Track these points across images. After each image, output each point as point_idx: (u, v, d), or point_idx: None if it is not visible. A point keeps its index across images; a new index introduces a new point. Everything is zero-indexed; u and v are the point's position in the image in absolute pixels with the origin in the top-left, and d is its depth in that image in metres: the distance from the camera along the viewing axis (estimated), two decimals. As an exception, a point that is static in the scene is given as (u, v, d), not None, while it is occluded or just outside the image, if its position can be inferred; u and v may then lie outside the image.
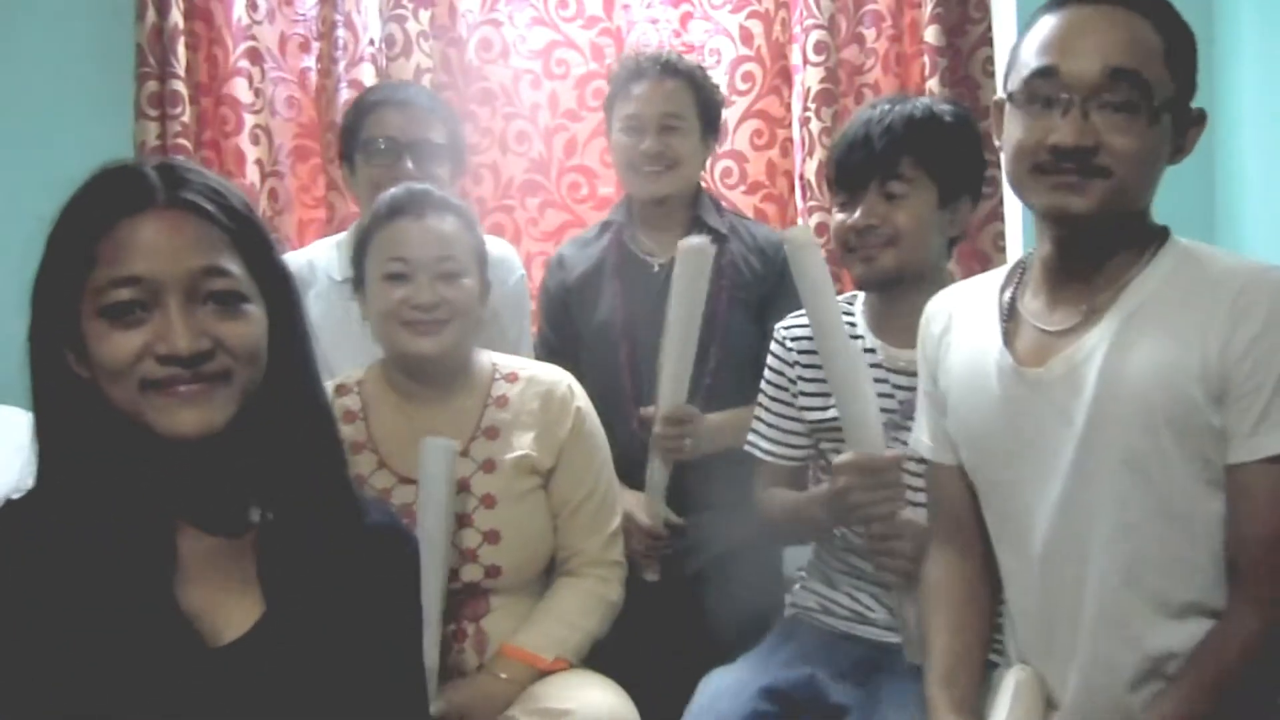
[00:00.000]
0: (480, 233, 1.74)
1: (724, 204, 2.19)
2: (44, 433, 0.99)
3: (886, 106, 1.64)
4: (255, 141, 2.37)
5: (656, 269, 2.02)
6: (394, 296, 1.63)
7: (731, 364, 1.94)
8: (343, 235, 2.08)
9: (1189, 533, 1.22)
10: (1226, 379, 1.18)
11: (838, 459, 1.54)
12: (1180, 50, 1.25)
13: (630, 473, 1.91)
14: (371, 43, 2.36)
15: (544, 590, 1.72)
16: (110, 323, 0.95)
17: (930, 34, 2.32)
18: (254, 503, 1.04)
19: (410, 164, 1.97)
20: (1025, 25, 1.31)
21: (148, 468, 0.99)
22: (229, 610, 1.01)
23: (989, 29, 2.37)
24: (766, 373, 1.79)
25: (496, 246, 2.08)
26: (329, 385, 1.57)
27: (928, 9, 2.33)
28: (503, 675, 1.60)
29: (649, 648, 1.81)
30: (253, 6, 2.39)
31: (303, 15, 2.45)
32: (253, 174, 2.35)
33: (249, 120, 2.36)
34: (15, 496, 1.00)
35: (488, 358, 1.76)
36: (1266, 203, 2.16)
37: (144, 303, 0.95)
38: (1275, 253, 2.00)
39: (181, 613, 0.99)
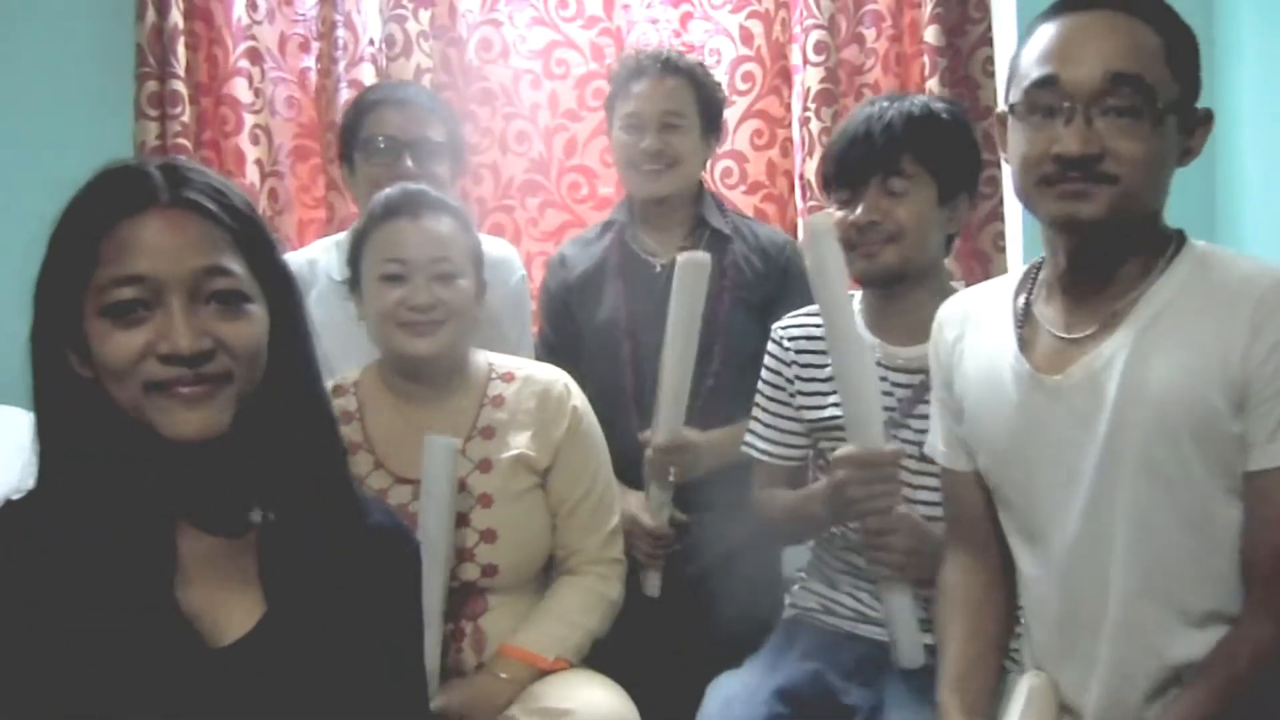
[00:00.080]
0: (476, 233, 1.75)
1: (725, 204, 2.19)
2: (45, 433, 0.99)
3: (885, 104, 1.64)
4: (255, 141, 2.37)
5: (658, 269, 2.01)
6: (390, 297, 1.63)
7: (733, 365, 1.94)
8: (343, 235, 2.08)
9: (1210, 541, 1.21)
10: (1247, 386, 1.17)
11: (837, 452, 1.54)
12: (1182, 51, 1.24)
13: (631, 472, 1.91)
14: (371, 43, 2.36)
15: (542, 589, 1.72)
16: (112, 322, 0.95)
17: (930, 34, 2.32)
18: (255, 503, 1.04)
19: (410, 163, 1.97)
20: (1023, 36, 1.29)
21: (148, 468, 0.99)
22: (230, 611, 1.01)
23: (989, 29, 2.37)
24: (764, 373, 1.79)
25: (497, 247, 2.08)
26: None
27: (928, 9, 2.33)
28: (503, 675, 1.60)
29: (650, 650, 1.81)
30: (253, 6, 2.39)
31: (303, 15, 2.45)
32: (252, 174, 2.35)
33: (249, 120, 2.36)
34: (16, 497, 1.00)
35: (484, 357, 1.76)
36: (1266, 203, 2.16)
37: (146, 302, 0.95)
38: (1275, 253, 2.00)
39: (182, 613, 0.99)
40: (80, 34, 2.41)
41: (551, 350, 2.06)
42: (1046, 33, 1.25)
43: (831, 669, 1.59)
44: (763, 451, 1.78)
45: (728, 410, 1.91)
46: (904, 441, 1.61)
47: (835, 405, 1.67)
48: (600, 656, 1.70)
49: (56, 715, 0.94)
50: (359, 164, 2.03)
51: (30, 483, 1.00)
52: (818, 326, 1.72)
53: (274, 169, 2.41)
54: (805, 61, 2.37)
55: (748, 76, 2.47)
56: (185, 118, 2.31)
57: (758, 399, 1.79)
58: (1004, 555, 1.40)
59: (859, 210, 1.61)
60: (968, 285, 1.61)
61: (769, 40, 2.47)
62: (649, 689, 1.65)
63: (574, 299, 2.06)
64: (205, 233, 0.97)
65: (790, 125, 2.45)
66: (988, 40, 2.37)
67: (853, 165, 1.62)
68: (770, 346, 1.78)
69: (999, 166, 2.36)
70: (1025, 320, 1.34)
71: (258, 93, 2.38)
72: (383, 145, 1.99)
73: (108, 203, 0.97)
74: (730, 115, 2.39)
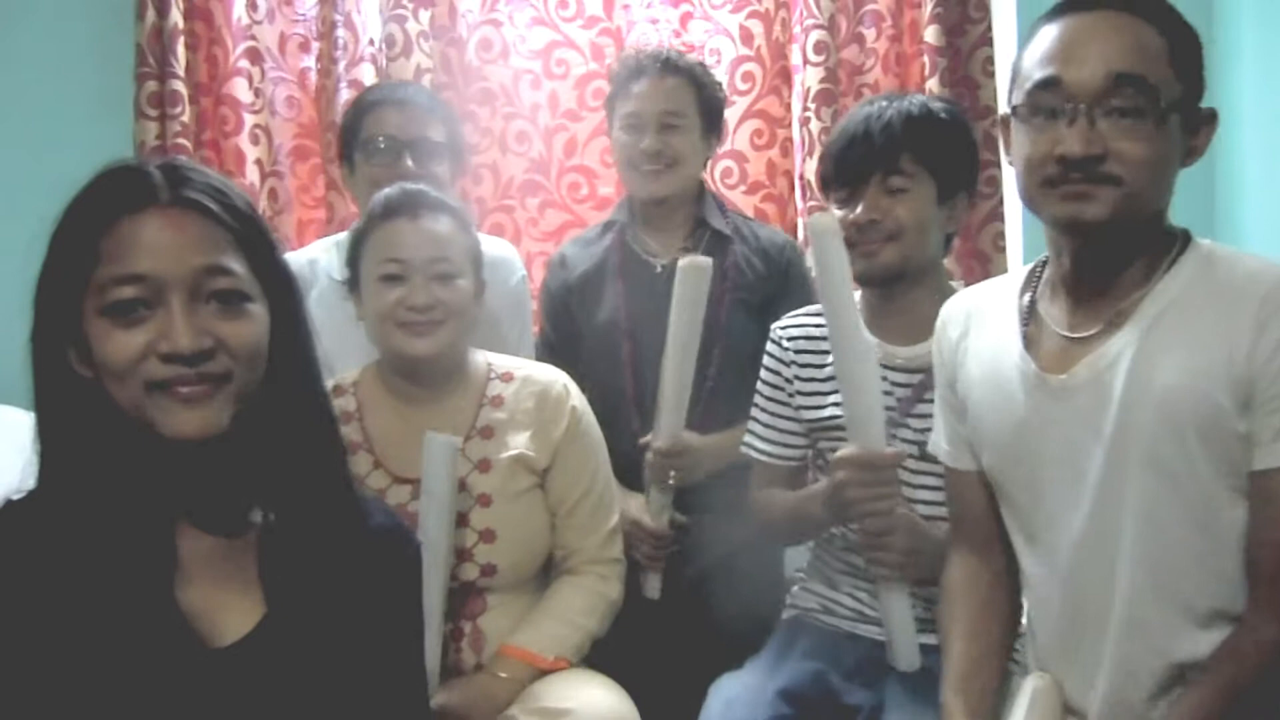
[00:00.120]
0: (475, 233, 1.75)
1: (726, 204, 2.19)
2: (45, 433, 0.99)
3: (884, 103, 1.65)
4: (255, 141, 2.37)
5: (659, 269, 2.01)
6: (389, 297, 1.64)
7: (733, 366, 1.93)
8: (343, 235, 2.08)
9: (1216, 540, 1.21)
10: (1253, 384, 1.17)
11: (837, 453, 1.54)
12: (1185, 50, 1.24)
13: (631, 473, 1.91)
14: (371, 43, 2.36)
15: (541, 589, 1.72)
16: (112, 321, 0.95)
17: (930, 34, 2.32)
18: (255, 503, 1.04)
19: (410, 162, 1.97)
20: (1025, 37, 1.29)
21: (149, 468, 0.99)
22: (230, 611, 1.01)
23: (989, 29, 2.37)
24: (763, 373, 1.79)
25: (497, 247, 2.08)
26: (324, 386, 1.57)
27: (927, 9, 2.33)
28: (502, 674, 1.60)
29: (650, 650, 1.81)
30: (253, 6, 2.39)
31: (303, 15, 2.45)
32: (252, 174, 2.35)
33: (249, 120, 2.36)
34: (16, 497, 1.00)
35: (483, 357, 1.76)
36: (1266, 203, 2.16)
37: (147, 301, 0.95)
38: (1275, 252, 2.00)
39: (182, 613, 0.99)
40: (80, 34, 2.41)
41: (552, 350, 2.05)
42: (1049, 34, 1.25)
43: (833, 669, 1.59)
44: (761, 451, 1.78)
45: (728, 412, 1.90)
46: (903, 441, 1.61)
47: (834, 405, 1.67)
48: (600, 656, 1.70)
49: (56, 715, 0.94)
50: (359, 164, 2.03)
51: (30, 483, 1.00)
52: (817, 326, 1.72)
53: (274, 169, 2.41)
54: (805, 61, 2.37)
55: (748, 76, 2.47)
56: (185, 118, 2.31)
57: (756, 399, 1.79)
58: (1008, 555, 1.40)
59: (859, 209, 1.61)
60: (967, 285, 1.61)
61: (769, 40, 2.47)
62: (649, 689, 1.65)
63: (574, 299, 2.06)
64: (206, 232, 0.97)
65: (790, 125, 2.45)
66: (988, 40, 2.37)
67: (852, 164, 1.62)
68: (769, 346, 1.78)
69: (999, 166, 2.37)
70: (1030, 319, 1.34)
71: (258, 93, 2.38)
72: (383, 145, 1.99)
73: (108, 202, 0.97)
74: (730, 115, 2.39)
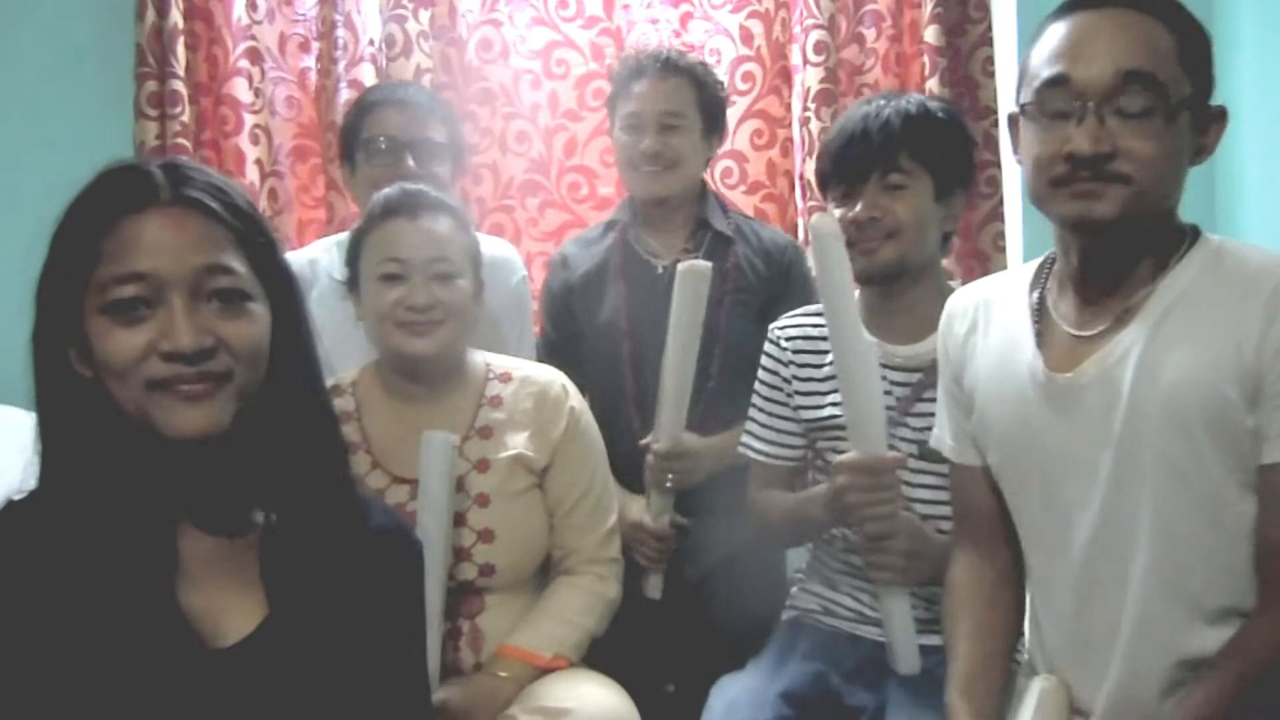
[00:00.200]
0: (474, 233, 1.75)
1: (728, 204, 2.18)
2: (46, 433, 0.99)
3: (882, 102, 1.65)
4: (255, 141, 2.37)
5: (660, 270, 2.00)
6: (389, 297, 1.64)
7: (735, 366, 1.92)
8: (344, 235, 2.08)
9: (1227, 535, 1.20)
10: (1261, 378, 1.17)
11: (838, 458, 1.54)
12: (1194, 48, 1.23)
13: (631, 474, 1.91)
14: (371, 43, 2.36)
15: (539, 589, 1.72)
16: (114, 320, 0.95)
17: (930, 34, 2.32)
18: (257, 504, 1.04)
19: (411, 163, 1.97)
20: (1033, 35, 1.28)
21: (150, 468, 0.98)
22: (231, 612, 1.01)
23: (989, 29, 2.37)
24: (761, 373, 1.79)
25: (498, 248, 2.08)
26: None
27: (928, 9, 2.33)
28: (502, 673, 1.60)
29: (652, 651, 1.81)
30: (253, 6, 2.39)
31: (303, 15, 2.45)
32: (252, 174, 2.35)
33: (249, 120, 2.36)
34: (17, 497, 1.00)
35: (481, 358, 1.76)
36: (1266, 202, 2.16)
37: (148, 300, 0.95)
38: (1275, 251, 2.00)
39: (183, 614, 0.98)
40: (80, 34, 2.41)
41: (553, 350, 2.05)
42: (1057, 32, 1.24)
43: (834, 670, 1.59)
44: (759, 452, 1.78)
45: (728, 413, 1.90)
46: (902, 440, 1.61)
47: (833, 405, 1.67)
48: (600, 656, 1.70)
49: (57, 716, 0.94)
50: (360, 164, 2.03)
51: (31, 483, 1.00)
52: (815, 326, 1.72)
53: (274, 169, 2.41)
54: (805, 61, 2.37)
55: (748, 76, 2.47)
56: (185, 118, 2.31)
57: (754, 399, 1.79)
58: (1012, 552, 1.40)
59: (858, 207, 1.61)
60: (964, 285, 1.61)
61: (769, 40, 2.47)
62: (653, 693, 1.65)
63: (575, 299, 2.05)
64: (207, 231, 0.97)
65: (790, 125, 2.45)
66: (988, 40, 2.37)
67: (851, 162, 1.62)
68: (767, 347, 1.78)
69: (999, 166, 2.37)
70: (1040, 316, 1.33)
71: (258, 93, 2.38)
72: (384, 146, 1.99)
73: (109, 201, 0.97)
74: (730, 115, 2.38)
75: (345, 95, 2.32)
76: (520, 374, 1.74)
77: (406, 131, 1.99)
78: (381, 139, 1.99)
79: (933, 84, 2.30)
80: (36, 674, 0.94)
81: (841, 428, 1.63)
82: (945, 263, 2.29)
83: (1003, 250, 2.37)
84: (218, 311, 0.97)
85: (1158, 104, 1.19)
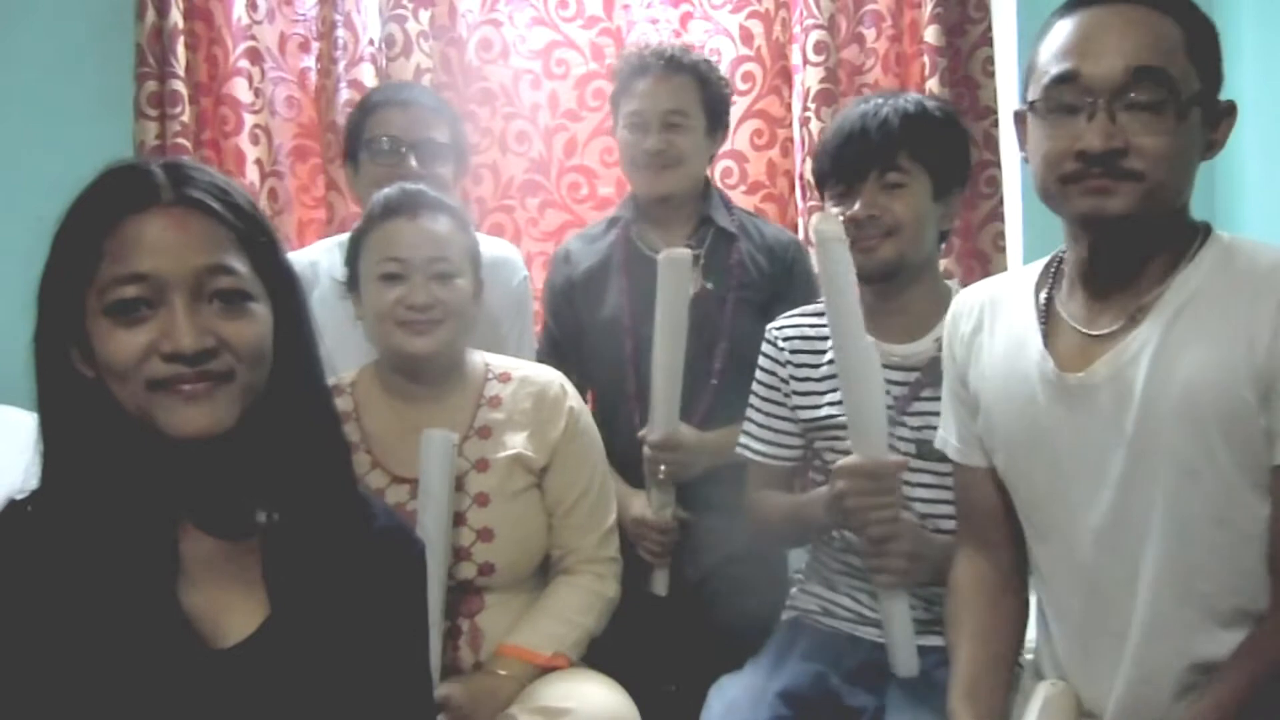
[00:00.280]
0: (473, 233, 1.75)
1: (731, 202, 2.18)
2: (48, 433, 0.99)
3: (880, 101, 1.65)
4: (255, 141, 2.37)
5: (663, 266, 2.01)
6: (389, 297, 1.64)
7: (737, 364, 1.93)
8: (345, 236, 2.08)
9: (1240, 537, 1.20)
10: (1274, 377, 1.16)
11: (839, 463, 1.54)
12: (1202, 43, 1.22)
13: (633, 470, 1.91)
14: (371, 43, 2.36)
15: (538, 588, 1.72)
16: (115, 320, 0.95)
17: (930, 34, 2.33)
18: (259, 504, 1.04)
19: (414, 163, 1.97)
20: (1038, 32, 1.28)
21: (151, 469, 0.98)
22: (233, 613, 1.01)
23: (989, 29, 2.37)
24: (758, 373, 1.79)
25: (499, 248, 2.08)
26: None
27: (928, 9, 2.33)
28: (501, 672, 1.60)
29: (654, 652, 1.81)
30: (253, 6, 2.39)
31: (303, 15, 2.45)
32: (252, 174, 2.35)
33: (249, 120, 2.36)
34: (19, 497, 1.00)
35: (480, 357, 1.77)
36: (1266, 199, 2.17)
37: (149, 300, 0.95)
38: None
39: (184, 614, 0.98)
40: (80, 34, 2.41)
41: (555, 345, 2.05)
42: (1064, 28, 1.23)
43: (833, 671, 1.59)
44: (757, 452, 1.77)
45: (731, 410, 1.89)
46: (900, 439, 1.61)
47: (830, 405, 1.67)
48: (601, 656, 1.70)
49: (58, 716, 0.94)
50: (363, 164, 2.03)
51: (33, 483, 0.99)
52: (812, 326, 1.73)
53: (274, 169, 2.41)
54: (805, 61, 2.37)
55: (748, 76, 2.47)
56: (185, 118, 2.31)
57: (752, 400, 1.79)
58: (1017, 553, 1.39)
59: (856, 205, 1.61)
60: (964, 285, 1.62)
61: (769, 40, 2.47)
62: (653, 693, 1.65)
63: (578, 295, 2.05)
64: (208, 231, 0.97)
65: (790, 125, 2.45)
66: (988, 40, 2.37)
67: (850, 161, 1.62)
68: (765, 347, 1.78)
69: (999, 166, 2.37)
70: (1046, 316, 1.32)
71: (258, 93, 2.38)
72: (387, 146, 1.99)
73: (111, 201, 0.97)
74: (730, 115, 2.39)
75: (345, 95, 2.32)
76: (519, 374, 1.75)
77: (410, 132, 1.99)
78: (385, 139, 2.00)
79: (933, 84, 2.31)
80: (37, 674, 0.93)
81: (839, 427, 1.63)
82: (945, 263, 2.31)
83: (1003, 250, 2.38)
84: (219, 312, 0.97)
85: (1168, 99, 1.18)
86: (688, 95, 1.98)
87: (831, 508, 1.56)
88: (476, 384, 1.73)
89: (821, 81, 2.36)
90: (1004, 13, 2.42)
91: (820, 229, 1.51)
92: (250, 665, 0.99)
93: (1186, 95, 1.19)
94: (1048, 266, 1.37)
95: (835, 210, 1.63)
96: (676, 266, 1.77)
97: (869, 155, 1.61)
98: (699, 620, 1.87)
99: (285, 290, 1.03)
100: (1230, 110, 1.25)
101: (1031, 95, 1.26)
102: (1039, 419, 1.30)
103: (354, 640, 1.03)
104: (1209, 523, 1.19)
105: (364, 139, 2.02)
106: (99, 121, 2.35)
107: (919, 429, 1.60)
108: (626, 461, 1.90)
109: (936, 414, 1.51)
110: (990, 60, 2.37)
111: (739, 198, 2.44)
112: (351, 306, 1.74)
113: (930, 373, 1.59)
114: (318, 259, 2.06)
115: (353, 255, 1.72)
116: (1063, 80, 1.22)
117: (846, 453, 1.56)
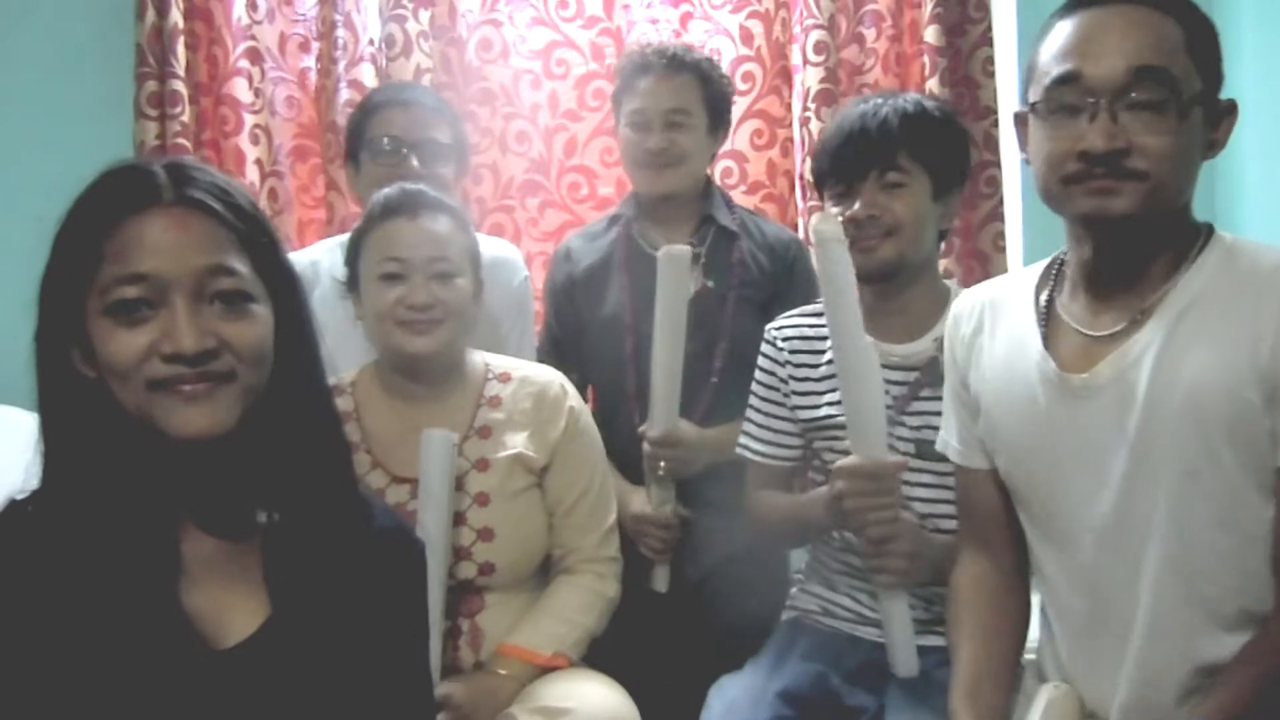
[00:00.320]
0: (473, 233, 1.75)
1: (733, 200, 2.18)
2: (49, 433, 0.99)
3: (879, 101, 1.66)
4: (255, 141, 2.37)
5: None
6: (389, 297, 1.64)
7: (737, 362, 1.92)
8: (345, 236, 2.08)
9: (1244, 539, 1.19)
10: (1278, 378, 1.15)
11: (838, 463, 1.54)
12: (1203, 42, 1.22)
13: (634, 467, 1.91)
14: (371, 43, 2.35)
15: (539, 587, 1.72)
16: (116, 320, 0.95)
17: (930, 34, 2.33)
18: (260, 505, 1.04)
19: (416, 163, 1.97)
20: (1039, 33, 1.28)
21: (153, 469, 0.98)
22: (234, 613, 1.01)
23: (989, 29, 2.37)
24: (757, 373, 1.79)
25: (500, 248, 2.08)
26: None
27: (928, 9, 2.33)
28: (502, 672, 1.60)
29: (654, 652, 1.81)
30: (253, 6, 2.38)
31: (303, 15, 2.44)
32: (252, 174, 2.35)
33: (249, 120, 2.36)
34: (19, 498, 1.00)
35: (480, 357, 1.77)
36: (1266, 201, 2.17)
37: (150, 301, 0.95)
38: (1275, 251, 2.00)
39: (185, 615, 0.98)
40: (80, 34, 2.40)
41: (556, 343, 2.05)
42: (1065, 29, 1.23)
43: (834, 671, 1.59)
44: (756, 452, 1.77)
45: (732, 409, 1.89)
46: (900, 439, 1.61)
47: (830, 404, 1.67)
48: (601, 656, 1.70)
49: (59, 716, 0.94)
50: (365, 164, 2.03)
51: (34, 483, 0.99)
52: (811, 326, 1.73)
53: (274, 169, 2.41)
54: (805, 61, 2.37)
55: (748, 76, 2.46)
56: (185, 118, 2.31)
57: (751, 400, 1.79)
58: (1019, 555, 1.39)
59: (856, 205, 1.61)
60: (966, 285, 1.62)
61: (769, 40, 2.47)
62: (654, 693, 1.65)
63: (578, 292, 2.05)
64: (209, 232, 0.97)
65: (790, 125, 2.45)
66: (988, 40, 2.37)
67: (849, 161, 1.63)
68: (764, 347, 1.78)
69: (999, 166, 2.37)
70: (1048, 317, 1.32)
71: (258, 93, 2.38)
72: (388, 146, 1.99)
73: (112, 201, 0.97)
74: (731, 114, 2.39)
75: (345, 95, 2.32)
76: (519, 374, 1.75)
77: (411, 132, 1.99)
78: (386, 139, 1.99)
79: (933, 84, 2.31)
80: (38, 674, 0.93)
81: (838, 427, 1.63)
82: (945, 263, 2.31)
83: (1003, 250, 2.38)
84: (220, 313, 0.97)
85: (1170, 99, 1.18)
86: (690, 94, 1.98)
87: (831, 508, 1.56)
88: (477, 384, 1.73)
89: (821, 81, 2.36)
90: (1004, 13, 2.42)
91: (820, 229, 1.51)
92: (251, 665, 0.99)
93: (1188, 95, 1.19)
94: (1048, 268, 1.36)
95: (835, 210, 1.63)
96: (675, 262, 1.77)
97: (869, 155, 1.61)
98: (699, 620, 1.87)
99: (286, 291, 1.03)
100: (1231, 109, 1.25)
101: (1033, 96, 1.26)
102: (1040, 420, 1.30)
103: (355, 640, 1.03)
104: (1212, 525, 1.19)
105: (365, 139, 2.02)
106: (99, 121, 2.34)
107: (918, 429, 1.60)
108: (626, 459, 1.90)
109: (936, 414, 1.51)
110: (990, 60, 2.37)
111: (739, 198, 2.44)
112: (352, 306, 1.74)
113: (929, 373, 1.59)
114: (318, 259, 2.05)
115: (353, 255, 1.72)
116: (1064, 81, 1.21)
117: (846, 453, 1.56)
